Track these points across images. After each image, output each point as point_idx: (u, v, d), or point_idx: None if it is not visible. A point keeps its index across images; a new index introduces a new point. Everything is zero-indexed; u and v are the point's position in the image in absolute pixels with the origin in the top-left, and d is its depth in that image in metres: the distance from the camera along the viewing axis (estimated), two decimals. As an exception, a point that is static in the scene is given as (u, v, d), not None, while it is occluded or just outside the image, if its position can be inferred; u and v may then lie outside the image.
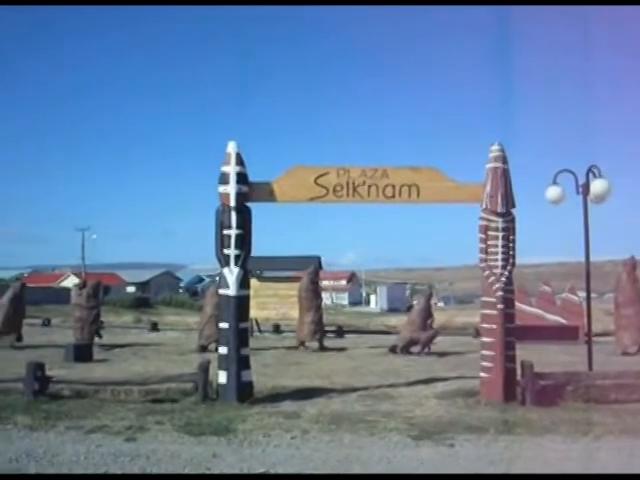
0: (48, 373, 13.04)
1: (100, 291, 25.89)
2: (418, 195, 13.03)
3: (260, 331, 30.63)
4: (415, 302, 30.31)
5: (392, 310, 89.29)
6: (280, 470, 8.40)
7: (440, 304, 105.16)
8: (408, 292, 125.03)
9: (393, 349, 22.11)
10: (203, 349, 22.31)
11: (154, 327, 34.64)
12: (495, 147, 12.81)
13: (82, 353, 19.91)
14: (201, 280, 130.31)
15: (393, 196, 13.02)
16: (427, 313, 22.50)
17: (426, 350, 21.81)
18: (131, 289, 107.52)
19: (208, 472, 8.38)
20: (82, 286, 25.73)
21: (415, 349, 21.93)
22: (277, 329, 31.75)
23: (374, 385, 14.56)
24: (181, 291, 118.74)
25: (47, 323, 37.90)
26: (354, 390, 13.88)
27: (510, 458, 9.02)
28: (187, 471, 8.39)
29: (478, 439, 9.86)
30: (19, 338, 24.56)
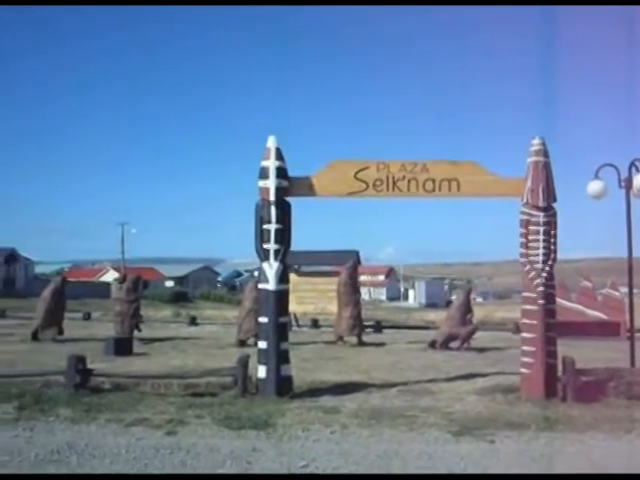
0: (89, 366, 13.15)
1: (140, 285, 26.10)
2: (458, 189, 12.94)
3: (298, 326, 30.69)
4: (454, 297, 30.14)
5: (430, 305, 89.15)
6: (319, 465, 8.40)
7: (479, 299, 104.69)
8: (447, 287, 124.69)
9: (432, 344, 22.03)
10: (242, 343, 22.35)
11: (193, 321, 34.85)
12: (536, 141, 12.68)
13: (122, 346, 20.03)
14: (239, 274, 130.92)
15: (433, 190, 12.94)
16: (466, 308, 22.40)
17: (465, 345, 21.72)
18: (170, 283, 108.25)
19: (247, 465, 8.42)
20: (122, 280, 25.94)
21: (454, 344, 21.84)
22: (315, 324, 31.79)
23: (413, 380, 14.51)
24: (219, 285, 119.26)
25: (87, 317, 38.28)
26: (393, 385, 13.83)
27: (551, 455, 8.94)
28: (228, 465, 8.41)
29: (519, 435, 9.78)
30: (60, 332, 24.78)
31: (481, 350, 21.17)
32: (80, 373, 12.76)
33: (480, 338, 23.44)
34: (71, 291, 32.12)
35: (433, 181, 12.93)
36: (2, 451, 9.04)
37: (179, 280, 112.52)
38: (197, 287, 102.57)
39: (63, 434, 9.96)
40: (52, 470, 8.26)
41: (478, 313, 28.37)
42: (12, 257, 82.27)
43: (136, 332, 24.03)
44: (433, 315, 45.60)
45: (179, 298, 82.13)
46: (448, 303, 59.49)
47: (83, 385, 12.72)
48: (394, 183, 12.95)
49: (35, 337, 24.25)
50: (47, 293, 25.28)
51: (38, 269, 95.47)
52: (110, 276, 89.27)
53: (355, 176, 12.99)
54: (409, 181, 12.94)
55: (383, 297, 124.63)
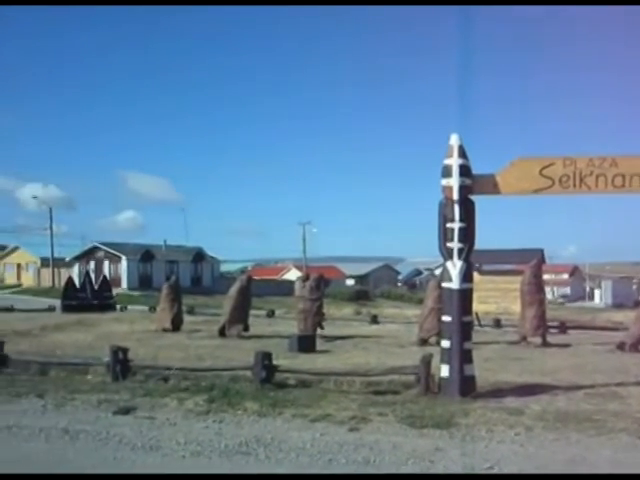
0: (275, 362, 13.47)
1: (322, 284, 26.43)
2: (650, 184, 12.40)
3: (480, 325, 30.27)
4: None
5: (618, 305, 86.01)
6: (504, 467, 8.26)
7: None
8: (635, 287, 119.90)
9: (621, 346, 21.21)
10: (423, 342, 22.28)
11: (374, 319, 35.00)
12: None
13: (305, 344, 20.40)
14: (419, 273, 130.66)
15: (623, 186, 12.43)
16: (658, 309, 21.46)
17: (657, 348, 20.81)
18: (350, 282, 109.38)
19: (430, 464, 8.39)
20: (305, 279, 26.36)
21: (644, 347, 20.97)
22: (498, 323, 31.28)
23: (601, 383, 13.99)
24: (399, 284, 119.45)
25: (271, 314, 39.13)
26: (579, 388, 13.40)
27: None
28: (410, 463, 8.41)
29: None
30: (246, 328, 25.48)
31: (674, 353, 20.22)
32: (266, 369, 13.11)
33: (672, 341, 22.36)
34: (255, 289, 33.00)
35: (623, 176, 12.43)
36: (194, 441, 9.46)
37: (360, 279, 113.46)
38: (377, 285, 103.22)
39: (251, 427, 10.28)
40: (242, 462, 8.56)
41: (670, 314, 27.10)
42: (199, 256, 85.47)
43: (319, 330, 24.36)
44: (621, 316, 43.86)
45: (360, 296, 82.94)
46: (637, 303, 57.24)
47: (269, 380, 13.05)
48: (581, 179, 12.56)
49: (222, 333, 25.06)
50: (234, 291, 26.05)
51: (223, 267, 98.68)
52: (292, 274, 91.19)
53: (540, 173, 12.67)
54: (597, 177, 12.51)
55: (567, 296, 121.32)
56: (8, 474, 8.11)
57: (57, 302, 43.53)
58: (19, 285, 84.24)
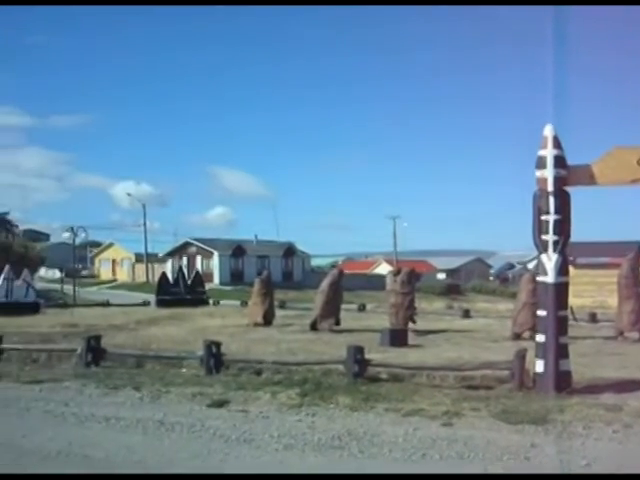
0: (367, 356, 13.45)
1: (414, 278, 26.30)
2: None
3: (575, 319, 29.68)
4: None
5: None
6: (602, 465, 8.06)
7: None
8: None
9: None
10: (517, 337, 21.95)
11: (466, 314, 34.66)
12: None
13: (397, 338, 20.30)
14: (512, 267, 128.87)
15: None
16: None
17: None
18: (441, 276, 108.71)
19: (526, 461, 8.26)
20: (397, 273, 26.26)
21: None
22: (593, 318, 30.64)
23: (703, 380, 13.57)
24: (491, 278, 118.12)
25: (362, 308, 39.14)
26: (680, 384, 13.02)
27: None
28: (505, 459, 8.28)
29: None
30: (337, 322, 25.52)
31: None
32: (358, 363, 13.10)
33: None
34: (346, 283, 33.01)
35: None
36: (287, 434, 9.53)
37: (451, 272, 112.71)
38: (469, 279, 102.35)
39: (343, 421, 10.28)
40: (335, 456, 8.58)
41: None
42: (290, 251, 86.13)
43: (410, 324, 24.23)
44: None
45: (451, 290, 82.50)
46: None
47: (361, 374, 13.04)
48: (683, 168, 12.17)
49: (314, 327, 25.14)
50: (325, 285, 26.12)
51: (314, 262, 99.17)
52: (383, 268, 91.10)
53: (639, 162, 12.33)
54: (699, 165, 12.11)
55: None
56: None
57: (151, 297, 44.57)
58: (114, 280, 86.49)
